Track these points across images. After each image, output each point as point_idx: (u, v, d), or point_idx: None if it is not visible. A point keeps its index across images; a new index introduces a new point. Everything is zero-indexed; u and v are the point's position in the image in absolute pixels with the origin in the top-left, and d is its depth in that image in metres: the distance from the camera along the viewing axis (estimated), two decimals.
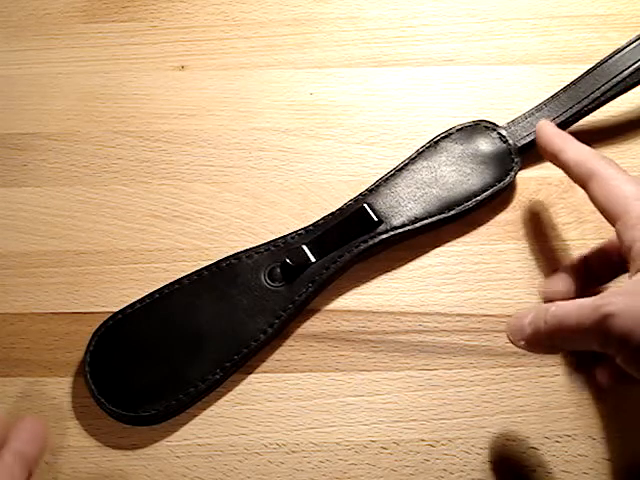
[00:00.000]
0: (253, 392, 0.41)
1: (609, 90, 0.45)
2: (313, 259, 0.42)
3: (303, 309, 0.42)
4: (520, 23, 0.51)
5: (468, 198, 0.44)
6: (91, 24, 0.51)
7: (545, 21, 0.51)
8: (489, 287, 0.43)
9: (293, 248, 0.43)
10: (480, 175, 0.45)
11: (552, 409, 0.40)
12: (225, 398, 0.41)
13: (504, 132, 0.45)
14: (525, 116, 0.46)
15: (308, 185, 0.46)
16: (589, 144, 0.41)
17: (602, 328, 0.32)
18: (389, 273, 0.44)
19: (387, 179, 0.45)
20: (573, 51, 0.50)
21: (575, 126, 0.46)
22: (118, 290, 0.43)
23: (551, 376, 0.41)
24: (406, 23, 0.51)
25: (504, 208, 0.45)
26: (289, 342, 0.42)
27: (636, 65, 0.44)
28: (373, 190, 0.44)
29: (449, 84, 0.49)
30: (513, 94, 0.48)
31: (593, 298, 0.33)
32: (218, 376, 0.40)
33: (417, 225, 0.43)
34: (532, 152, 0.45)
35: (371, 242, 0.43)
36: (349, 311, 0.43)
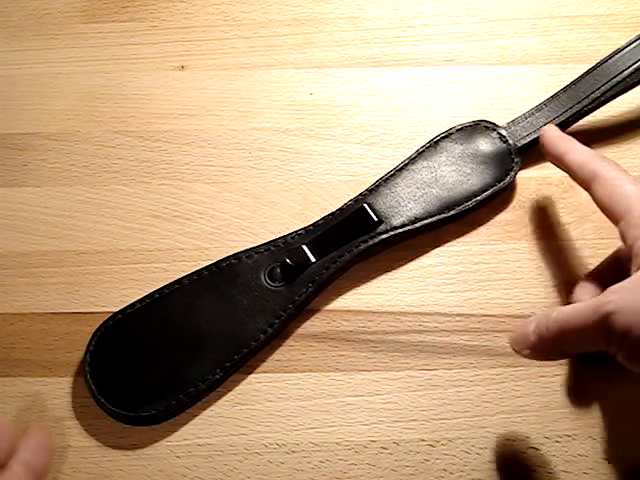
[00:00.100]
0: (253, 392, 0.41)
1: (609, 90, 0.45)
2: (313, 259, 0.42)
3: (303, 309, 0.42)
4: (520, 23, 0.51)
5: (468, 198, 0.44)
6: (91, 24, 0.51)
7: (545, 21, 0.51)
8: (489, 287, 0.43)
9: (293, 248, 0.43)
10: (480, 175, 0.45)
11: (552, 409, 0.40)
12: (225, 398, 0.41)
13: (504, 132, 0.45)
14: (525, 116, 0.46)
15: (308, 185, 0.46)
16: (589, 144, 0.41)
17: (604, 326, 0.32)
18: (389, 273, 0.44)
19: (387, 179, 0.45)
20: (573, 51, 0.50)
21: (575, 126, 0.46)
22: (118, 290, 0.43)
23: (551, 376, 0.41)
24: (406, 23, 0.51)
25: (504, 208, 0.45)
26: (289, 342, 0.42)
27: (636, 65, 0.44)
28: (373, 190, 0.44)
29: (449, 84, 0.49)
30: (513, 94, 0.48)
31: (593, 299, 0.34)
32: (218, 376, 0.40)
33: (417, 225, 0.43)
34: (532, 152, 0.45)
35: (371, 242, 0.43)
36: (349, 311, 0.43)
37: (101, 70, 0.50)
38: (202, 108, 0.48)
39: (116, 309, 0.42)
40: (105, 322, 0.41)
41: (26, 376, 0.41)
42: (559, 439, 0.39)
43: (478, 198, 0.44)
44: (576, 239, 0.44)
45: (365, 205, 0.43)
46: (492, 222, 0.45)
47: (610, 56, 0.45)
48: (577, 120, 0.46)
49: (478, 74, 0.49)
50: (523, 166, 0.45)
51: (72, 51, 0.50)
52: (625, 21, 0.51)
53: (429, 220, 0.43)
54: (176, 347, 0.41)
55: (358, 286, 0.43)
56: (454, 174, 0.45)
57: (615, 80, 0.44)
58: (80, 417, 0.40)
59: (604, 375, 0.40)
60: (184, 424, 0.40)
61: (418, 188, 0.44)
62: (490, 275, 0.43)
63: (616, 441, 0.39)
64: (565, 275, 0.43)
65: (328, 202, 0.45)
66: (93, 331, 0.41)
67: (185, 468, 0.39)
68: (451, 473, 0.39)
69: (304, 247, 0.42)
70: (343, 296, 0.43)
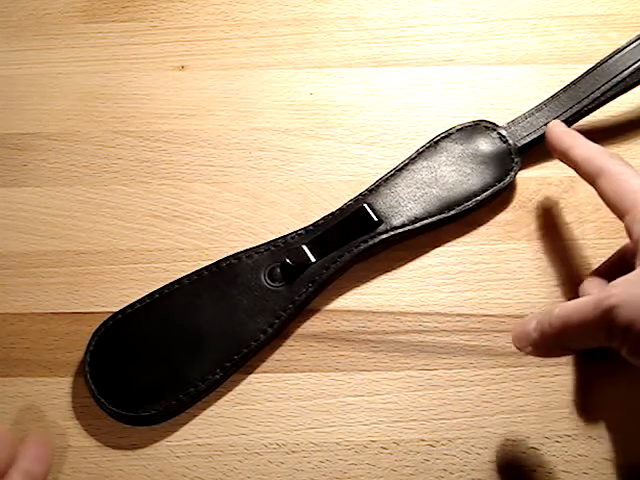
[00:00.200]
0: (253, 392, 0.41)
1: (609, 90, 0.45)
2: (313, 259, 0.42)
3: (303, 309, 0.42)
4: (520, 23, 0.51)
5: (468, 198, 0.44)
6: (91, 24, 0.51)
7: (545, 21, 0.51)
8: (489, 287, 0.43)
9: (293, 248, 0.43)
10: (480, 175, 0.45)
11: (552, 409, 0.40)
12: (225, 398, 0.41)
13: (504, 132, 0.45)
14: (525, 116, 0.46)
15: (308, 185, 0.46)
16: None
17: (606, 321, 0.32)
18: (389, 273, 0.44)
19: (387, 179, 0.45)
20: (573, 51, 0.50)
21: (575, 126, 0.46)
22: (118, 290, 0.43)
23: (551, 376, 0.41)
24: (406, 23, 0.51)
25: (504, 208, 0.45)
26: (289, 342, 0.42)
27: (636, 65, 0.44)
28: (373, 190, 0.44)
29: (449, 84, 0.49)
30: (513, 94, 0.48)
31: (595, 294, 0.33)
32: (218, 376, 0.40)
33: (417, 225, 0.43)
34: (532, 152, 0.45)
35: (371, 242, 0.43)
36: (349, 311, 0.43)
37: (101, 70, 0.50)
38: (202, 108, 0.48)
39: (116, 309, 0.42)
40: (105, 322, 0.41)
41: (26, 376, 0.41)
42: (559, 439, 0.39)
43: (478, 198, 0.44)
44: (576, 239, 0.44)
45: (365, 205, 0.43)
46: (492, 222, 0.45)
47: (610, 56, 0.45)
48: (577, 120, 0.46)
49: (478, 74, 0.49)
50: (523, 166, 0.45)
51: (72, 51, 0.50)
52: (625, 21, 0.51)
53: (429, 220, 0.43)
54: (176, 347, 0.41)
55: (358, 286, 0.43)
56: (454, 174, 0.45)
57: (615, 80, 0.44)
58: (80, 417, 0.40)
59: (604, 375, 0.40)
60: (184, 424, 0.40)
61: (418, 188, 0.44)
62: (490, 275, 0.43)
63: (616, 441, 0.39)
64: (565, 275, 0.43)
65: (328, 202, 0.45)
66: (93, 331, 0.41)
67: (185, 468, 0.39)
68: (451, 473, 0.39)
69: (304, 247, 0.42)
70: (343, 296, 0.43)
